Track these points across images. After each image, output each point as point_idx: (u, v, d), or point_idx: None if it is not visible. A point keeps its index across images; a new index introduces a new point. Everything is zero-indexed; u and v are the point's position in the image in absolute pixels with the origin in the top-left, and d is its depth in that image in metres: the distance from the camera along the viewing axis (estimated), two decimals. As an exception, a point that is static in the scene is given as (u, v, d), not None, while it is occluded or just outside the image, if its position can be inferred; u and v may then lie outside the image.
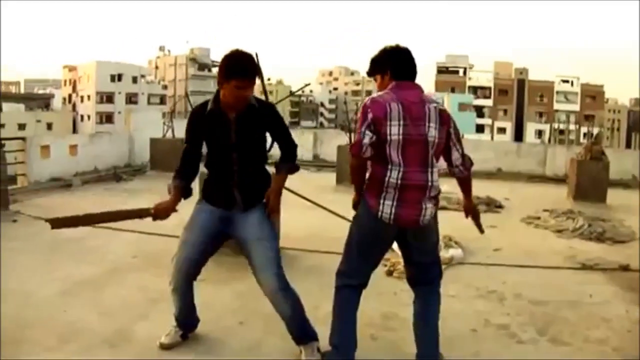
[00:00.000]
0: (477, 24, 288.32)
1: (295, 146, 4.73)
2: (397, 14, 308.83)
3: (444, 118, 4.04)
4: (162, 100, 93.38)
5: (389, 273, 6.69)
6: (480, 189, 13.23)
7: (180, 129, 13.48)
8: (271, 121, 4.58)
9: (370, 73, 4.33)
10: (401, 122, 3.88)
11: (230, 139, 4.41)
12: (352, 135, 14.71)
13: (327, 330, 4.35)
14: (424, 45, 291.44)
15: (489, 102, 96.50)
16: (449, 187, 13.49)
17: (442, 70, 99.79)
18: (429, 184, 4.02)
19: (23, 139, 13.77)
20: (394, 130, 3.88)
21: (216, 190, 4.57)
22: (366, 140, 3.88)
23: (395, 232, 4.09)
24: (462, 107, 71.04)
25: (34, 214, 9.80)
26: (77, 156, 14.86)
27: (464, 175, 4.38)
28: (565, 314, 5.63)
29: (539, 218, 10.60)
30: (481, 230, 4.82)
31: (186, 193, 4.65)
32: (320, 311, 5.21)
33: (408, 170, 3.93)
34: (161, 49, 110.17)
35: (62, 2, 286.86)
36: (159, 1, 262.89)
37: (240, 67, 4.24)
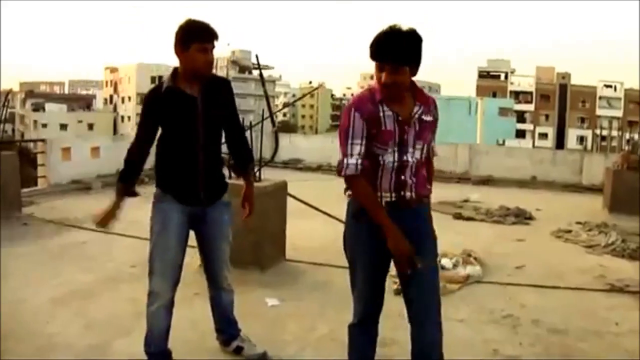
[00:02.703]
0: (519, 28, 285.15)
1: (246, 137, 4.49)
2: (439, 17, 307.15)
3: None
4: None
5: (397, 292, 6.21)
6: (511, 198, 12.82)
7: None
8: (229, 100, 4.25)
9: (399, 60, 3.32)
10: None
11: (197, 119, 4.03)
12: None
13: (317, 354, 3.98)
14: (466, 49, 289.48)
15: (530, 107, 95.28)
16: (480, 196, 13.31)
17: (483, 75, 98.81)
18: None
19: (44, 140, 13.64)
20: None
21: (180, 183, 4.15)
22: None
23: None
24: (503, 112, 69.98)
25: (48, 216, 9.86)
26: (100, 158, 14.61)
27: None
28: (585, 346, 5.09)
29: (570, 231, 10.03)
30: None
31: (130, 193, 4.23)
32: (314, 334, 4.88)
33: None
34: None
35: (107, 4, 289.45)
36: (200, 2, 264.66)
37: (200, 28, 3.95)
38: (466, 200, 12.94)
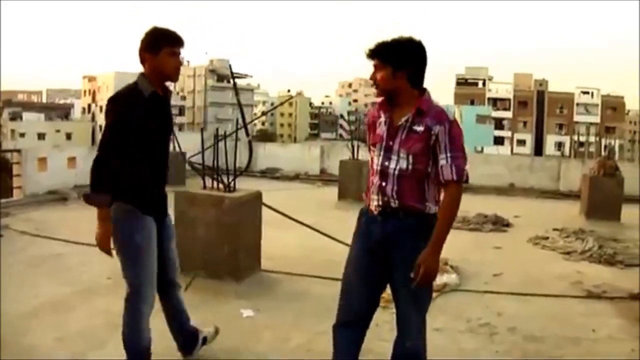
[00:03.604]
0: (497, 35, 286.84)
1: None
2: (415, 25, 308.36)
3: None
4: (181, 111, 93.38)
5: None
6: (489, 205, 12.83)
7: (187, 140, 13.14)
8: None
9: (383, 58, 3.50)
10: None
11: (170, 126, 4.06)
12: (354, 148, 14.30)
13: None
14: (443, 57, 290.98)
15: (508, 114, 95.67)
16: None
17: (461, 82, 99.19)
18: None
19: (19, 151, 13.51)
20: None
21: (150, 193, 4.05)
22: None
23: None
24: (481, 119, 70.37)
25: (23, 228, 9.72)
26: (76, 168, 14.46)
27: None
28: (562, 353, 5.07)
29: (547, 238, 10.05)
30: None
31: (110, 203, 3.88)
32: (288, 344, 4.84)
33: None
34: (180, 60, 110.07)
35: (83, 13, 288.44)
36: (177, 11, 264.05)
37: (170, 33, 3.96)
38: (443, 208, 12.90)
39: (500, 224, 11.23)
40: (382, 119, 3.57)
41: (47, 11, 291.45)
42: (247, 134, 7.23)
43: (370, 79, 3.58)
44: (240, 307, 5.90)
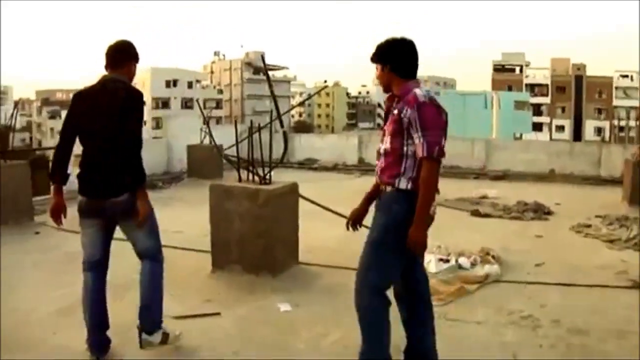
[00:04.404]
0: (534, 20, 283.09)
1: None
2: (452, 12, 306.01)
3: None
4: (218, 104, 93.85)
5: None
6: (529, 193, 12.63)
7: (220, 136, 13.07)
8: None
9: (373, 59, 4.18)
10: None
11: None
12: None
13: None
14: (480, 43, 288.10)
15: (546, 100, 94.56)
16: (498, 192, 13.11)
17: (498, 69, 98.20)
18: None
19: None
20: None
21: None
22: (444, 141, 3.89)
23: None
24: (519, 105, 69.36)
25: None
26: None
27: None
28: (607, 347, 4.89)
29: (590, 226, 9.81)
30: None
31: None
32: (326, 340, 4.78)
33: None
34: (216, 53, 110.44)
35: (120, 8, 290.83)
36: (213, 4, 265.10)
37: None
38: (484, 197, 12.78)
39: (541, 211, 11.01)
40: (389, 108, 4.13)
41: (83, 12, 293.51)
42: (282, 125, 7.13)
43: (376, 77, 4.23)
44: (277, 302, 5.82)
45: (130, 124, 4.46)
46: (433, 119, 3.83)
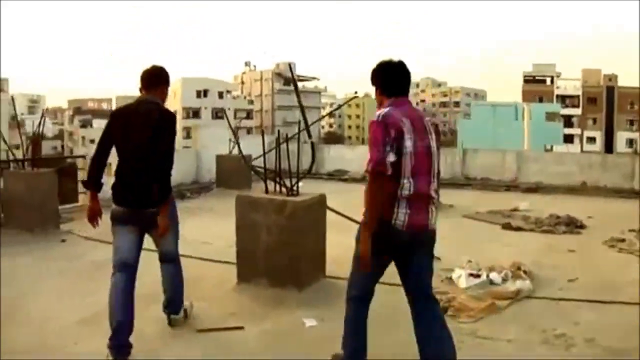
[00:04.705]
0: (565, 31, 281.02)
1: None
2: (483, 23, 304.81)
3: (436, 131, 4.32)
4: (249, 115, 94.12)
5: (443, 310, 5.87)
6: (561, 206, 12.41)
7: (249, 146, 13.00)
8: None
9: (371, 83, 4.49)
10: (412, 136, 4.09)
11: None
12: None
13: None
14: (511, 54, 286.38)
15: (577, 111, 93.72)
16: (529, 204, 12.90)
17: (529, 80, 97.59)
18: (433, 191, 4.25)
19: (84, 157, 13.64)
20: (408, 144, 4.07)
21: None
22: (390, 157, 4.02)
23: (407, 239, 4.16)
24: (550, 116, 68.73)
25: (86, 233, 9.61)
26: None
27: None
28: (645, 367, 4.72)
29: (624, 240, 9.55)
30: None
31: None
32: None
33: (419, 180, 4.13)
34: (247, 64, 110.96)
35: (120, 8, 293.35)
36: (214, 4, 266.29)
37: None
38: (515, 209, 12.57)
39: (573, 225, 10.78)
40: None
41: (82, 12, 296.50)
42: (310, 136, 7.02)
43: None
44: (302, 317, 5.70)
45: (162, 144, 4.97)
46: (373, 136, 4.06)
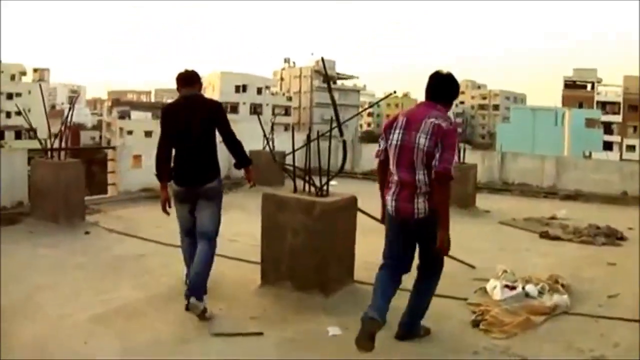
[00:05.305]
0: (607, 36, 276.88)
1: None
2: (526, 25, 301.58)
3: (435, 130, 4.71)
4: (287, 111, 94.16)
5: (475, 324, 5.58)
6: (600, 215, 11.99)
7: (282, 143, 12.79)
8: None
9: None
10: (399, 131, 4.87)
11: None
12: (460, 151, 13.59)
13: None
14: (552, 59, 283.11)
15: (617, 118, 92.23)
16: (567, 212, 12.50)
17: (569, 85, 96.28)
18: (417, 182, 4.77)
19: (114, 148, 13.52)
20: (394, 137, 4.91)
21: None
22: (381, 145, 5.11)
23: (399, 223, 4.96)
24: (589, 123, 67.78)
25: (112, 225, 9.66)
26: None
27: (437, 179, 4.71)
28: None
29: (666, 255, 9.15)
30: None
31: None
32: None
33: (400, 171, 4.86)
34: (286, 60, 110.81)
35: (120, 8, 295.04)
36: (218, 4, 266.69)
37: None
38: (553, 217, 12.19)
39: (613, 236, 10.35)
40: None
41: (83, 12, 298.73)
42: (341, 134, 6.74)
43: None
44: (326, 324, 5.41)
45: (224, 127, 6.10)
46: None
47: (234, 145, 6.25)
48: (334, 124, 6.69)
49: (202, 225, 5.94)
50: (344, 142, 6.87)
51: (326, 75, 6.86)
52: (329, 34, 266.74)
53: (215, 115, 6.04)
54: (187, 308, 5.44)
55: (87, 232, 9.22)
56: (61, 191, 9.49)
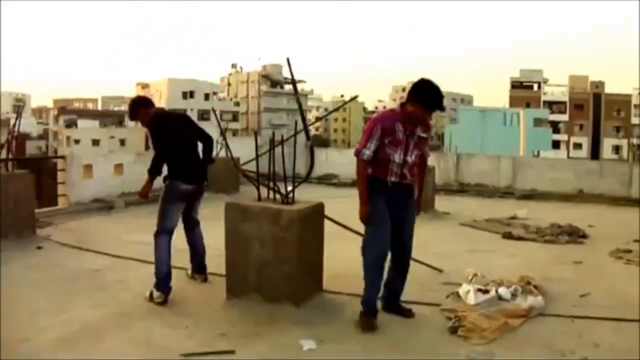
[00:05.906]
0: (552, 37, 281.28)
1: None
2: (468, 27, 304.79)
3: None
4: (235, 117, 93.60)
5: (453, 330, 5.40)
6: (559, 214, 12.02)
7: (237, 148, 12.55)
8: None
9: None
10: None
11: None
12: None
13: None
14: (498, 60, 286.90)
15: (564, 117, 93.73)
16: (526, 212, 12.47)
17: (516, 85, 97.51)
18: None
19: (63, 157, 13.10)
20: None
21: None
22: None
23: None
24: (537, 122, 68.59)
25: (65, 239, 9.23)
26: (123, 176, 13.97)
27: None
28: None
29: (630, 251, 9.12)
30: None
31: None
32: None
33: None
34: (233, 66, 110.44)
35: (120, 8, 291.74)
36: (213, 4, 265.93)
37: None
38: (513, 217, 12.18)
39: (576, 234, 10.38)
40: (401, 129, 5.61)
41: (82, 12, 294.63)
42: (308, 138, 6.54)
43: (426, 118, 5.68)
44: (299, 337, 5.17)
45: (203, 131, 6.86)
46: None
47: (210, 145, 6.91)
48: (299, 128, 6.49)
49: (195, 213, 6.95)
50: (312, 147, 6.66)
51: (292, 77, 6.60)
52: (278, 37, 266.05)
53: (193, 123, 6.96)
54: (194, 277, 7.01)
55: (39, 247, 8.76)
56: (10, 204, 8.90)
